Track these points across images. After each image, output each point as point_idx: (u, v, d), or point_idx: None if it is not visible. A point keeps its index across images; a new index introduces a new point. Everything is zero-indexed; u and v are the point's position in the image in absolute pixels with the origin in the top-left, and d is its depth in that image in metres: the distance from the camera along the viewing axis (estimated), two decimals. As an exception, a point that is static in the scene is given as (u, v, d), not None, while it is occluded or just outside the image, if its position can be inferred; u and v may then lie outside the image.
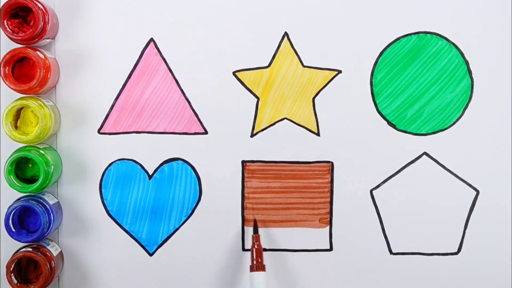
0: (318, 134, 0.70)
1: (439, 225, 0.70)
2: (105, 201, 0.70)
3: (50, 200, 0.68)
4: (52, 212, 0.66)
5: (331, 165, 0.70)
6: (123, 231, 0.70)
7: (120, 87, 0.69)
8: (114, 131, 0.70)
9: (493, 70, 0.70)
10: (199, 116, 0.70)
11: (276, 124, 0.70)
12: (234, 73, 0.70)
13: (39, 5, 0.65)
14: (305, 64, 0.70)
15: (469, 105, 0.70)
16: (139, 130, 0.70)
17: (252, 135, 0.70)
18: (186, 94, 0.70)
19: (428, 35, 0.70)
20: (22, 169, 0.67)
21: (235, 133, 0.70)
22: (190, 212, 0.70)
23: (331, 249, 0.71)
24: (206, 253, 0.70)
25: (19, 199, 0.67)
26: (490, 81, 0.70)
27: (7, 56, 0.65)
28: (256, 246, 0.68)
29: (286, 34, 0.69)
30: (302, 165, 0.70)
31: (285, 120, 0.70)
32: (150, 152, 0.70)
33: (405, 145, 0.70)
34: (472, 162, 0.70)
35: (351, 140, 0.70)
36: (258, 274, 0.67)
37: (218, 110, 0.70)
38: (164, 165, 0.70)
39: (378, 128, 0.70)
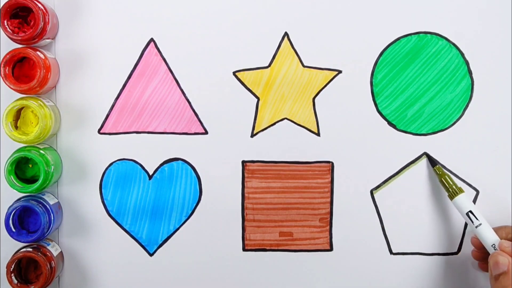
0: (318, 134, 0.70)
1: (439, 225, 0.70)
2: (105, 201, 0.70)
3: (50, 200, 0.68)
4: (52, 212, 0.66)
5: (331, 165, 0.70)
6: (123, 231, 0.70)
7: (120, 87, 0.69)
8: (114, 131, 0.70)
9: (493, 70, 0.70)
10: (199, 116, 0.70)
11: (276, 124, 0.70)
12: (234, 73, 0.70)
13: (39, 5, 0.65)
14: (305, 64, 0.70)
15: (469, 105, 0.70)
16: (139, 130, 0.70)
17: (252, 135, 0.70)
18: (186, 94, 0.70)
19: (428, 35, 0.70)
20: (22, 169, 0.67)
21: (235, 133, 0.70)
22: (190, 212, 0.70)
23: (331, 249, 0.71)
24: (206, 253, 0.70)
25: (19, 199, 0.67)
26: (490, 81, 0.70)
27: (7, 56, 0.65)
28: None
29: (286, 34, 0.69)
30: (302, 165, 0.70)
31: (285, 120, 0.70)
32: (150, 152, 0.70)
33: (405, 145, 0.70)
34: (472, 162, 0.70)
35: (351, 140, 0.70)
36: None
37: (218, 110, 0.70)
38: (164, 165, 0.70)
39: (378, 128, 0.70)
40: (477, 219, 0.65)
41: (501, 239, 0.64)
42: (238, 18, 0.69)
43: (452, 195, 0.67)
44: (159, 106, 0.70)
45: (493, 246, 0.64)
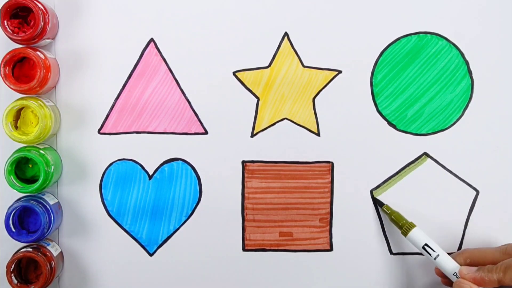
0: (318, 134, 0.70)
1: (439, 225, 0.70)
2: (105, 201, 0.70)
3: (50, 200, 0.68)
4: (52, 212, 0.66)
5: (331, 165, 0.70)
6: (123, 231, 0.70)
7: (120, 87, 0.69)
8: (114, 131, 0.70)
9: (493, 70, 0.70)
10: (199, 116, 0.70)
11: (276, 124, 0.70)
12: (234, 73, 0.70)
13: (39, 5, 0.65)
14: (305, 64, 0.70)
15: (469, 105, 0.70)
16: (139, 130, 0.70)
17: (252, 135, 0.70)
18: (186, 94, 0.70)
19: (428, 35, 0.70)
20: (22, 169, 0.67)
21: (235, 133, 0.70)
22: (190, 212, 0.70)
23: (331, 249, 0.71)
24: (206, 253, 0.70)
25: (19, 199, 0.67)
26: (490, 81, 0.70)
27: (7, 56, 0.65)
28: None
29: (286, 34, 0.69)
30: (302, 165, 0.70)
31: (285, 120, 0.70)
32: (150, 152, 0.70)
33: (405, 145, 0.70)
34: (472, 162, 0.70)
35: (351, 140, 0.70)
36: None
37: (218, 110, 0.70)
38: (164, 165, 0.70)
39: (378, 128, 0.70)
40: (434, 250, 0.66)
41: (460, 266, 0.65)
42: (238, 18, 0.69)
43: (405, 232, 0.67)
44: (159, 106, 0.70)
45: (455, 274, 0.64)
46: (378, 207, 0.70)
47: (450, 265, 0.65)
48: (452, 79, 0.70)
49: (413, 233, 0.67)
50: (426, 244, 0.66)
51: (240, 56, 0.69)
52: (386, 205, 0.69)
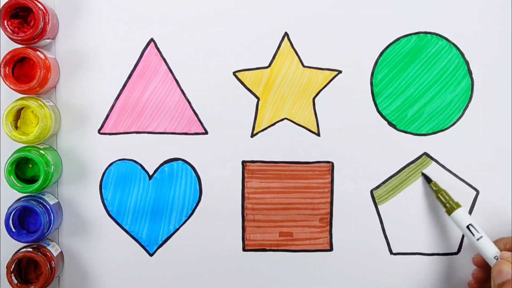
0: (318, 134, 0.70)
1: (439, 225, 0.70)
2: (105, 201, 0.70)
3: (50, 200, 0.68)
4: (52, 212, 0.66)
5: (331, 165, 0.70)
6: (123, 231, 0.70)
7: (120, 87, 0.69)
8: (114, 131, 0.70)
9: (493, 70, 0.70)
10: (199, 116, 0.70)
11: (276, 124, 0.70)
12: (234, 73, 0.70)
13: (39, 5, 0.65)
14: (305, 64, 0.70)
15: (469, 105, 0.70)
16: (139, 130, 0.70)
17: (252, 135, 0.70)
18: (186, 94, 0.70)
19: (428, 35, 0.70)
20: (22, 169, 0.67)
21: (235, 133, 0.70)
22: (190, 212, 0.70)
23: (331, 249, 0.71)
24: (206, 253, 0.70)
25: (19, 199, 0.67)
26: (490, 81, 0.70)
27: (7, 56, 0.65)
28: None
29: (286, 34, 0.69)
30: (302, 165, 0.70)
31: (285, 120, 0.70)
32: (150, 152, 0.70)
33: (405, 145, 0.70)
34: (472, 162, 0.70)
35: (351, 140, 0.70)
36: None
37: (218, 110, 0.70)
38: (164, 165, 0.70)
39: (378, 128, 0.70)
40: (478, 231, 0.66)
41: (500, 251, 0.65)
42: (238, 18, 0.69)
43: (450, 210, 0.67)
44: (159, 106, 0.70)
45: (495, 257, 0.64)
46: (426, 183, 0.70)
47: (491, 249, 0.65)
48: (452, 79, 0.70)
49: (457, 212, 0.67)
50: (470, 225, 0.66)
51: (240, 56, 0.69)
52: (434, 182, 0.69)
